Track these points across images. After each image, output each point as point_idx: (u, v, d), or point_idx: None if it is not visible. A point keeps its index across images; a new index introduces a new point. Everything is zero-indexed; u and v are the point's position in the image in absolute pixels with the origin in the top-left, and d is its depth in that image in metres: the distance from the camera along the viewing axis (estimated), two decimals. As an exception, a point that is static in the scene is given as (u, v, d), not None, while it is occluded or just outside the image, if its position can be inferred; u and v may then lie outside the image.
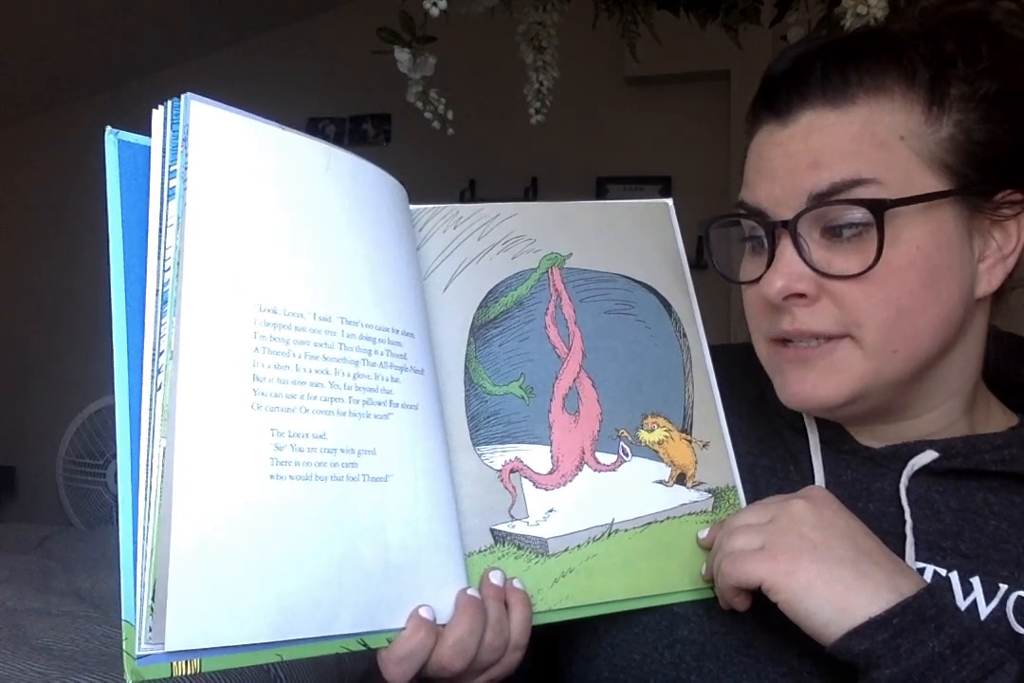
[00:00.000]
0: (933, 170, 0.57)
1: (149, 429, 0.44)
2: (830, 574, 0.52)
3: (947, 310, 0.59)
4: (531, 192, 3.12)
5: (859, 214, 0.56)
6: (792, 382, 0.61)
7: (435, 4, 1.18)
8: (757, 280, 0.60)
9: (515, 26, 1.48)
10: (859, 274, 0.56)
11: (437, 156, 2.79)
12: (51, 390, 3.28)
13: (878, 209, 0.55)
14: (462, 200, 3.11)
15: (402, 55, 1.34)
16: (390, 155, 3.25)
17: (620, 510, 0.61)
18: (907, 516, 0.60)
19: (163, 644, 0.42)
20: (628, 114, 3.07)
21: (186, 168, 0.47)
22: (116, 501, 0.45)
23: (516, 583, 0.56)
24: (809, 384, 0.60)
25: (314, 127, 3.40)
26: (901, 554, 0.59)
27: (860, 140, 0.57)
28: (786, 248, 0.58)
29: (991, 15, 0.60)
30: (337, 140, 3.36)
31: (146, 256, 0.47)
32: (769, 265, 0.59)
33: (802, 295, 0.58)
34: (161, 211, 0.47)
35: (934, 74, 0.57)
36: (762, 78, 0.63)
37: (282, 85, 3.28)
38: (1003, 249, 0.60)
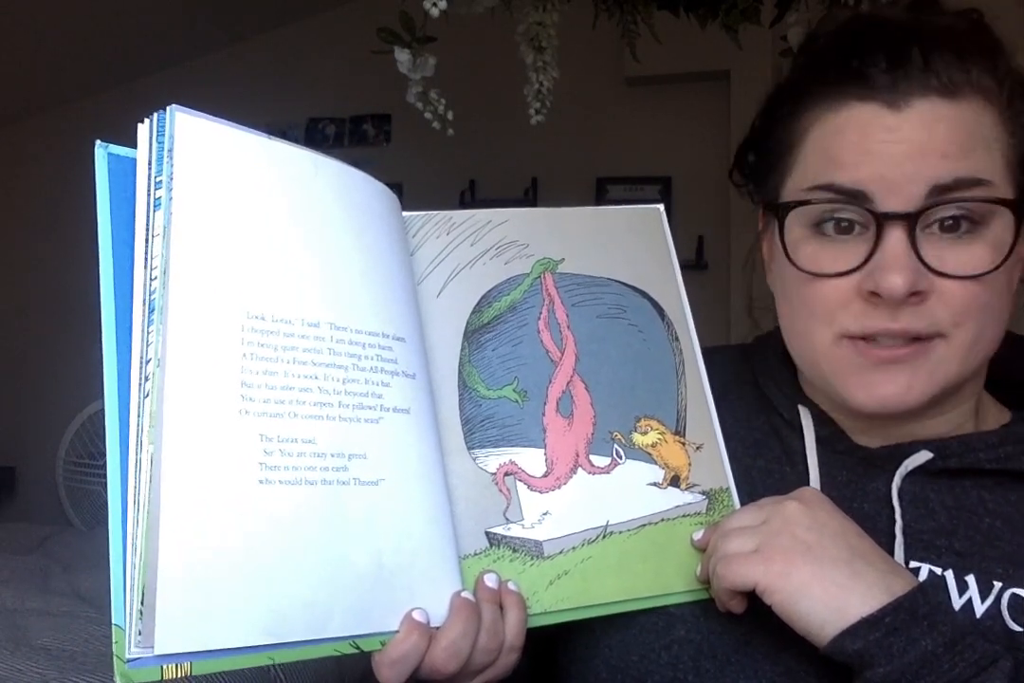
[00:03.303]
0: (1010, 175, 0.57)
1: (137, 436, 0.45)
2: (824, 575, 0.52)
3: (1009, 310, 0.60)
4: (531, 192, 3.12)
5: (972, 212, 0.55)
6: (879, 384, 0.59)
7: (435, 4, 1.19)
8: (847, 273, 0.58)
9: (515, 26, 1.48)
10: (982, 275, 0.55)
11: (437, 156, 2.80)
12: (51, 390, 3.29)
13: (1022, 212, 0.55)
14: (462, 200, 3.11)
15: (402, 55, 1.34)
16: (390, 155, 3.27)
17: (614, 512, 0.61)
18: (897, 516, 0.60)
19: (152, 647, 0.42)
20: (628, 114, 3.07)
21: (171, 178, 0.48)
22: (111, 504, 0.45)
23: (511, 585, 0.56)
24: (900, 386, 0.58)
25: (314, 127, 3.40)
26: (893, 553, 0.59)
27: (972, 138, 0.56)
28: (899, 242, 0.56)
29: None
30: (337, 140, 3.37)
31: (134, 266, 0.47)
32: (869, 257, 0.56)
33: (916, 293, 0.56)
34: (147, 221, 0.48)
35: (1000, 77, 0.57)
36: (819, 48, 0.61)
37: (282, 85, 3.29)
38: (1019, 252, 0.60)
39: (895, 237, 0.56)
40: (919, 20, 0.59)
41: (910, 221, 0.55)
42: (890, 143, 0.56)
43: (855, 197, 0.57)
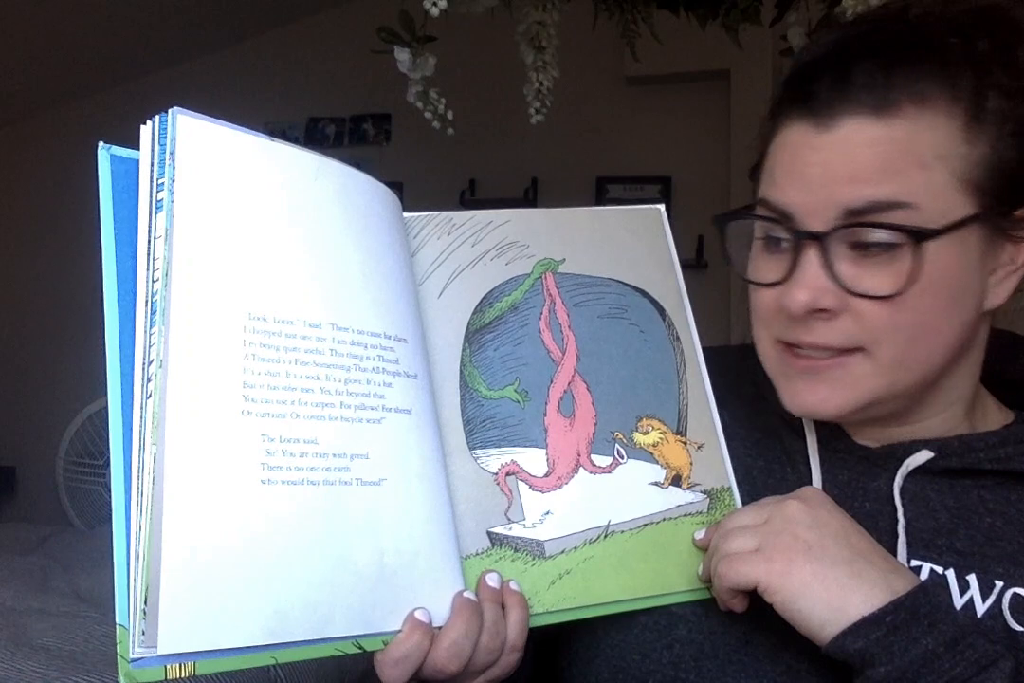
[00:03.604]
0: (964, 192, 0.56)
1: (140, 436, 0.45)
2: (825, 574, 0.52)
3: (961, 328, 0.59)
4: (531, 192, 3.12)
5: (891, 236, 0.55)
6: (801, 392, 0.61)
7: (435, 4, 1.19)
8: (774, 284, 0.59)
9: (515, 26, 1.48)
10: (889, 296, 0.55)
11: (437, 156, 2.80)
12: (51, 390, 3.29)
13: (919, 238, 0.54)
14: (462, 200, 3.11)
15: (402, 55, 1.34)
16: (390, 155, 3.27)
17: (616, 512, 0.61)
18: (900, 515, 0.60)
19: (156, 647, 0.42)
20: (628, 114, 3.07)
21: (173, 181, 0.48)
22: (113, 504, 0.45)
23: (513, 585, 0.57)
24: (819, 396, 0.60)
25: (314, 127, 3.40)
26: (895, 552, 0.59)
27: (902, 159, 0.55)
28: (812, 260, 0.57)
29: (1011, 11, 0.58)
30: (337, 140, 3.37)
31: (137, 267, 0.47)
32: (790, 273, 0.58)
33: (824, 310, 0.57)
34: (149, 223, 0.48)
35: (974, 84, 0.56)
36: (795, 65, 0.61)
37: (282, 85, 3.29)
38: (1014, 262, 0.60)
39: (808, 256, 0.57)
40: (883, 29, 0.59)
41: (821, 241, 0.56)
42: (812, 166, 0.57)
43: (782, 216, 0.59)
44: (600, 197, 3.08)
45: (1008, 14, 0.58)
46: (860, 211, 0.55)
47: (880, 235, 0.55)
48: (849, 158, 0.55)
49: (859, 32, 0.59)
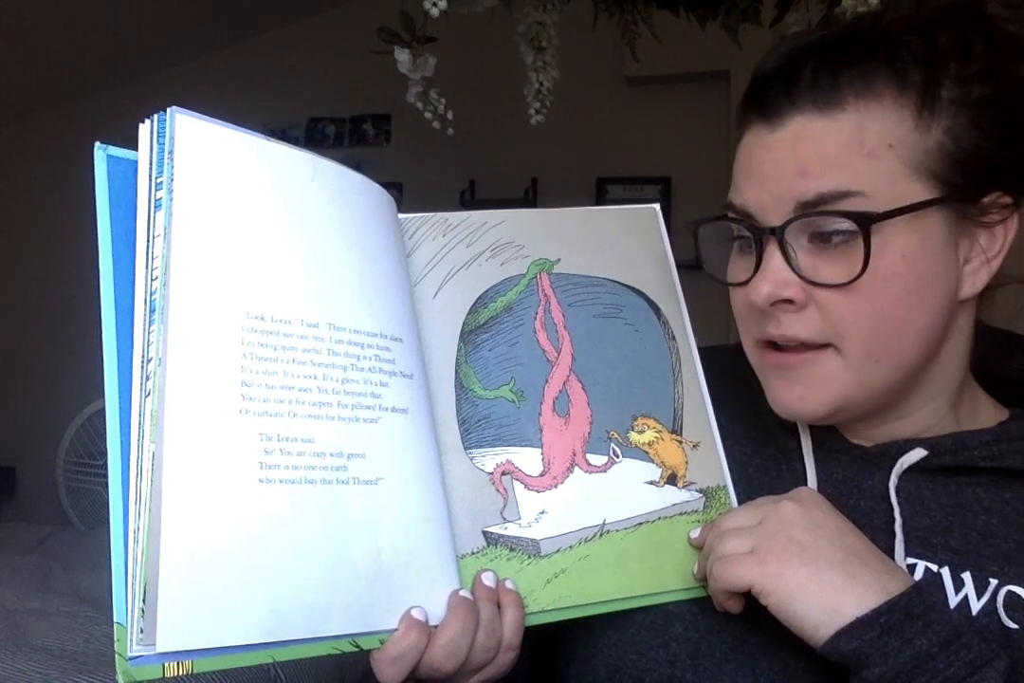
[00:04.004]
0: (920, 178, 0.56)
1: (138, 435, 0.45)
2: (819, 576, 0.52)
3: (931, 317, 0.59)
4: (531, 192, 3.12)
5: (846, 224, 0.56)
6: (779, 391, 0.62)
7: (435, 4, 1.19)
8: (745, 283, 0.60)
9: (515, 26, 1.48)
10: (844, 284, 0.56)
11: (437, 156, 2.80)
12: (51, 390, 3.29)
13: (864, 223, 0.55)
14: (462, 200, 3.11)
15: (402, 55, 1.34)
16: (390, 155, 3.27)
17: (611, 511, 0.61)
18: (896, 514, 0.60)
19: (154, 645, 0.42)
20: (628, 114, 3.07)
21: (172, 180, 0.48)
22: (112, 503, 0.46)
23: (509, 584, 0.57)
24: (795, 395, 0.61)
25: (314, 127, 3.40)
26: (891, 550, 0.59)
27: (848, 150, 0.56)
28: (773, 254, 0.58)
29: (986, 7, 0.59)
30: (337, 140, 3.37)
31: (135, 267, 0.48)
32: (756, 269, 0.59)
33: (789, 301, 0.58)
34: (148, 222, 0.48)
35: (926, 76, 0.56)
36: (752, 76, 0.62)
37: (282, 85, 3.29)
38: (988, 252, 0.60)
39: (771, 251, 0.58)
40: (833, 35, 0.60)
41: (777, 235, 0.57)
42: (765, 164, 0.58)
43: (744, 216, 0.60)
44: (600, 197, 3.08)
45: (981, 11, 0.59)
46: (811, 203, 0.56)
47: (833, 224, 0.56)
48: (797, 153, 0.57)
49: (810, 39, 0.61)
